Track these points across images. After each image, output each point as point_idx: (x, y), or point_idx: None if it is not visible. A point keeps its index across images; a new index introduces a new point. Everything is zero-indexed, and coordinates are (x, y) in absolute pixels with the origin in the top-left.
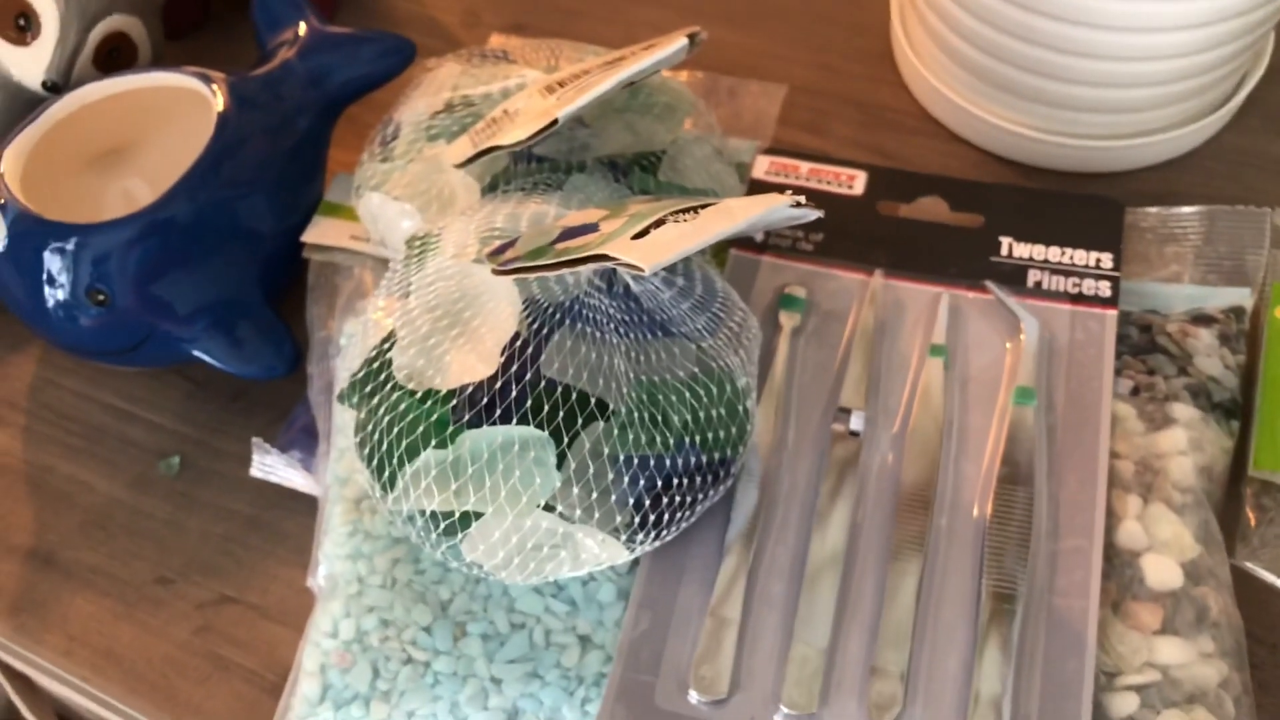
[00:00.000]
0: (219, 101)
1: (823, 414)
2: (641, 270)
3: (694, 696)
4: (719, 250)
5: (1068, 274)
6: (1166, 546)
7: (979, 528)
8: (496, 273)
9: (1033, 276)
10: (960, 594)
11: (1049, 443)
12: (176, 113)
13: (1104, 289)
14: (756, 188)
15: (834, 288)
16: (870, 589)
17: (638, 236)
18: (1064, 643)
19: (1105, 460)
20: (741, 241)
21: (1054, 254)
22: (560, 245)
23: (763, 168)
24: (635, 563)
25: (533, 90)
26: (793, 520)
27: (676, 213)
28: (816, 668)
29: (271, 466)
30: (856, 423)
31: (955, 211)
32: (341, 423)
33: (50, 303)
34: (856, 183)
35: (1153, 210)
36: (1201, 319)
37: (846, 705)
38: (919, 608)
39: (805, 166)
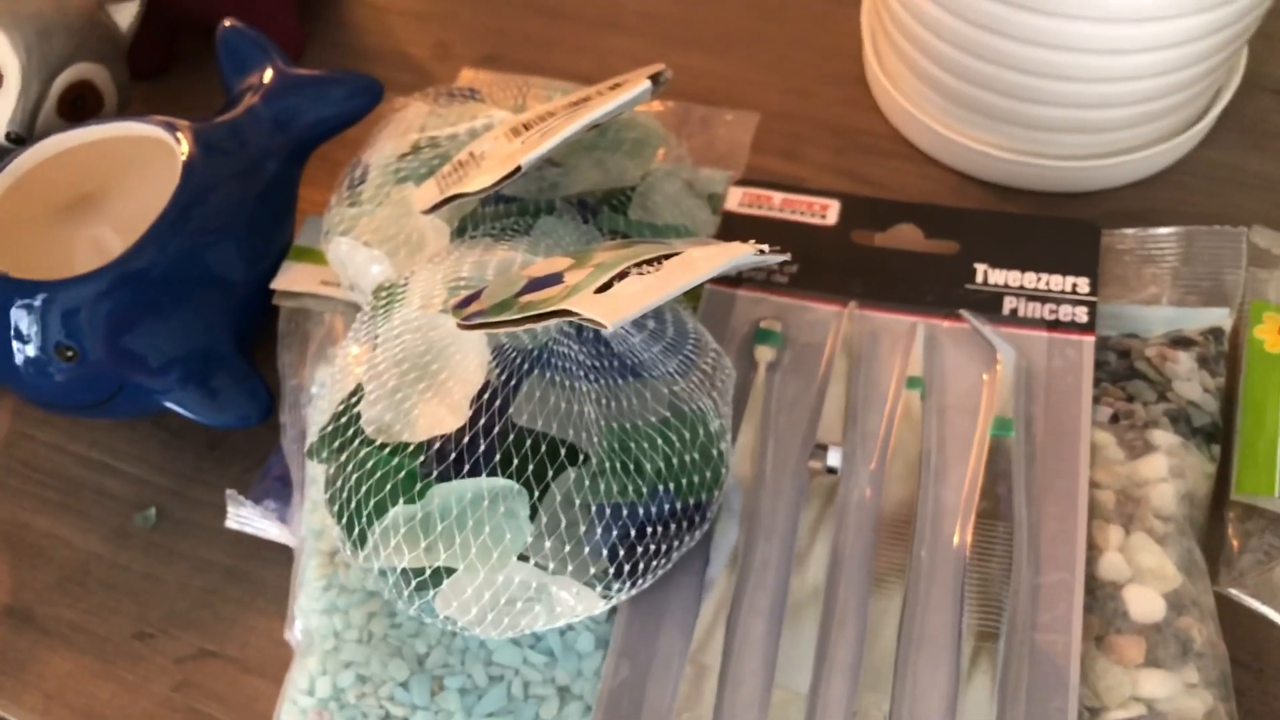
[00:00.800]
0: (184, 149)
1: (801, 448)
2: (604, 326)
3: None
4: (692, 293)
5: (1044, 300)
6: (1149, 577)
7: (959, 560)
8: (462, 327)
9: (1009, 304)
10: (941, 631)
11: (1028, 473)
12: (143, 160)
13: (1081, 315)
14: (730, 220)
15: (810, 320)
16: (851, 628)
17: (602, 289)
18: (1047, 680)
19: (1085, 491)
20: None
21: (1030, 280)
22: (524, 298)
23: (736, 199)
24: (614, 610)
25: (499, 132)
26: (773, 559)
27: (640, 264)
28: (798, 712)
29: (246, 518)
30: (834, 459)
31: (930, 239)
32: (314, 474)
33: (19, 359)
34: (830, 212)
35: (1130, 232)
36: (1180, 342)
37: None
38: (900, 646)
39: (778, 197)
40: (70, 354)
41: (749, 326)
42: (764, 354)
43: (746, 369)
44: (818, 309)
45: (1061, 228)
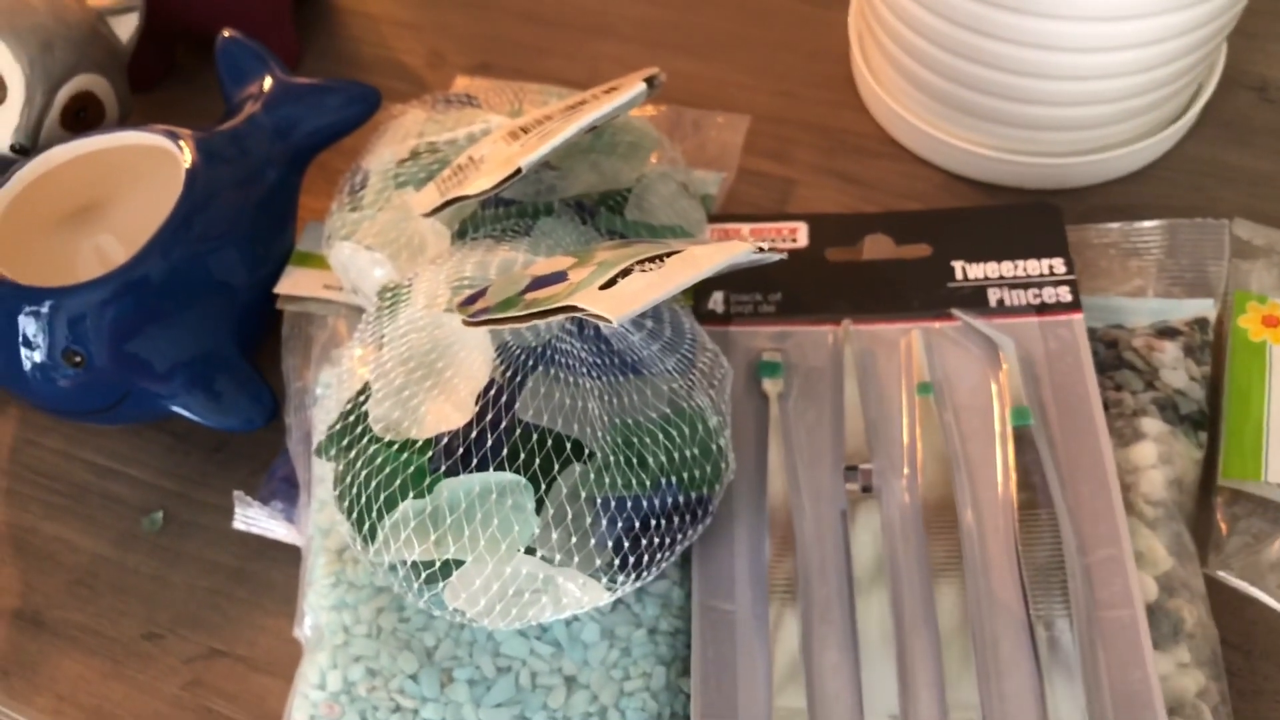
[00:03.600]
0: (187, 158)
1: (831, 473)
2: (610, 321)
3: None
4: (686, 291)
5: (1026, 286)
6: (1141, 560)
7: (1011, 555)
8: (467, 324)
9: (993, 295)
10: (1010, 628)
11: (1053, 457)
12: (146, 169)
13: (1064, 294)
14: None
15: (808, 343)
16: (924, 636)
17: (605, 286)
18: (1123, 655)
19: (1112, 464)
20: (704, 315)
21: (1007, 269)
22: (529, 295)
23: (705, 236)
24: (618, 602)
25: (497, 136)
26: (832, 589)
27: (643, 261)
28: None
29: (254, 519)
30: (868, 478)
31: (901, 245)
32: (321, 474)
33: (27, 365)
34: (799, 235)
35: (1114, 226)
36: (1166, 332)
37: None
38: (976, 652)
39: (746, 229)
40: (78, 360)
41: (750, 361)
42: (772, 386)
43: (758, 404)
44: (812, 331)
45: (1024, 214)
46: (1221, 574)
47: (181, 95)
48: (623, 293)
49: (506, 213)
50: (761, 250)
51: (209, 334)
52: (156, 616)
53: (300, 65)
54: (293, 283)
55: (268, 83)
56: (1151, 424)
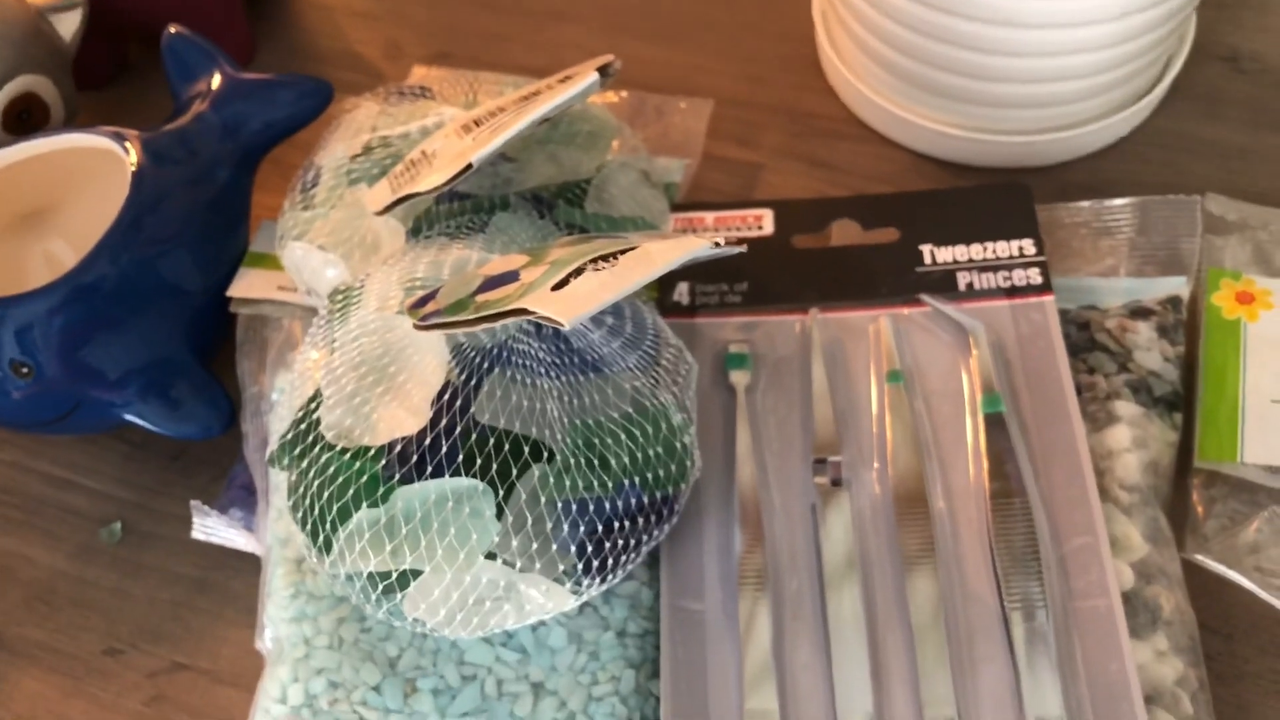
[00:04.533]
0: (133, 159)
1: (800, 465)
2: (561, 324)
3: None
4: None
5: (996, 269)
6: (1116, 547)
7: (984, 545)
8: (418, 328)
9: (963, 279)
10: (984, 617)
11: (1026, 444)
12: (93, 172)
13: (1035, 276)
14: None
15: (775, 334)
16: (898, 631)
17: (558, 286)
18: (1099, 645)
19: (1086, 450)
20: (670, 307)
21: (977, 251)
22: (481, 297)
23: (669, 227)
24: (584, 605)
25: (450, 129)
26: (804, 585)
27: (596, 259)
28: None
29: (212, 528)
30: (837, 471)
31: (869, 230)
32: (278, 482)
33: None
34: (765, 222)
35: (1085, 204)
36: (1139, 312)
37: None
38: (950, 646)
39: (710, 217)
40: (25, 371)
41: (716, 353)
42: (739, 378)
43: (725, 397)
44: (779, 321)
45: (993, 194)
46: (1199, 558)
47: (134, 94)
48: (575, 294)
49: (461, 208)
50: (718, 245)
51: (162, 340)
52: (117, 631)
53: (255, 59)
54: (246, 285)
55: (216, 80)
56: (1125, 407)
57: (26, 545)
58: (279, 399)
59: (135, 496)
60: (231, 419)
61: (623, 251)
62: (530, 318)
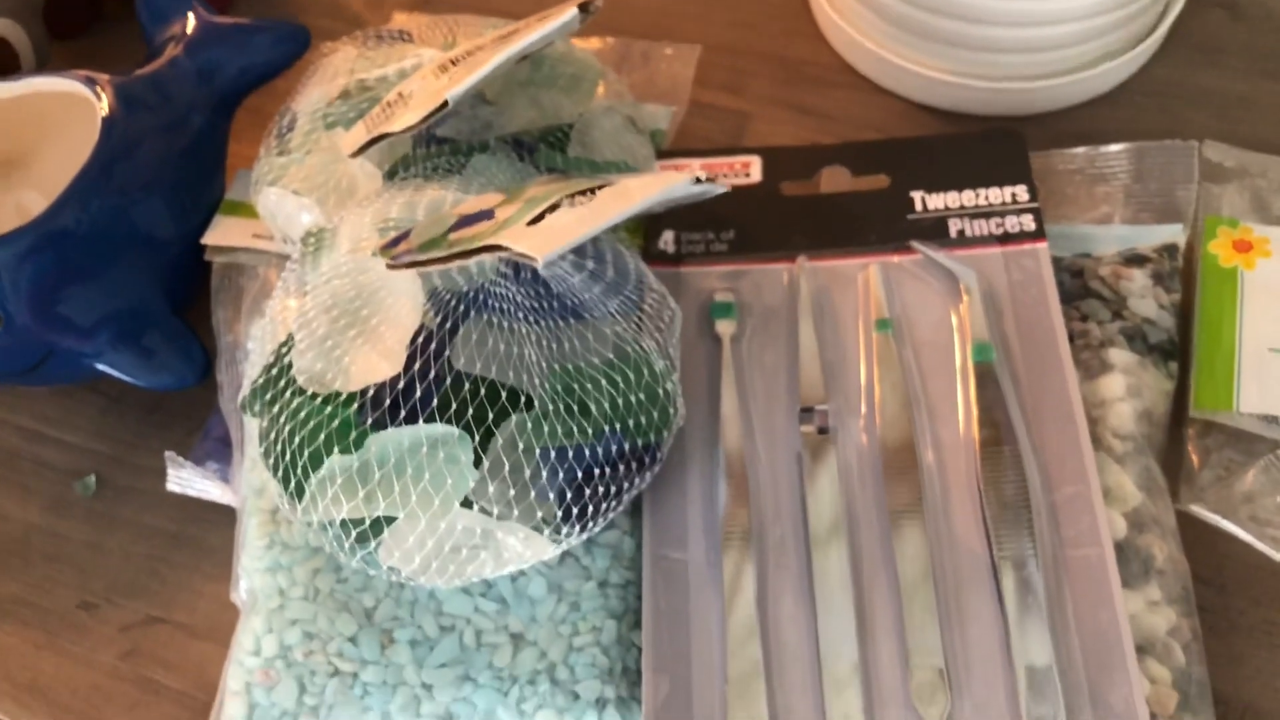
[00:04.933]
0: (104, 104)
1: (787, 415)
2: (535, 260)
3: None
4: (634, 229)
5: (988, 216)
6: (1109, 497)
7: (973, 496)
8: (390, 267)
9: (954, 226)
10: (974, 569)
11: (1017, 393)
12: (65, 120)
13: (1028, 223)
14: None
15: (762, 282)
16: (884, 583)
17: (533, 222)
18: (1090, 595)
19: (1078, 399)
20: (654, 255)
21: (969, 198)
22: (454, 235)
23: None
24: (565, 555)
25: (427, 70)
26: (788, 535)
27: (572, 195)
28: (854, 687)
29: (187, 480)
30: (824, 419)
31: (858, 176)
32: (252, 432)
33: None
34: (753, 169)
35: (1080, 151)
36: (1134, 259)
37: (894, 713)
38: (938, 593)
39: (697, 164)
40: None
41: (701, 303)
42: (725, 328)
43: (710, 347)
44: (766, 270)
45: (986, 141)
46: (1194, 508)
47: (109, 45)
48: (550, 229)
49: (439, 151)
50: (700, 182)
51: (135, 288)
52: (91, 585)
53: (234, 5)
54: (222, 233)
55: (190, 23)
56: (1119, 355)
57: (0, 498)
58: (254, 348)
59: (111, 450)
60: (207, 370)
61: (600, 187)
62: (504, 254)
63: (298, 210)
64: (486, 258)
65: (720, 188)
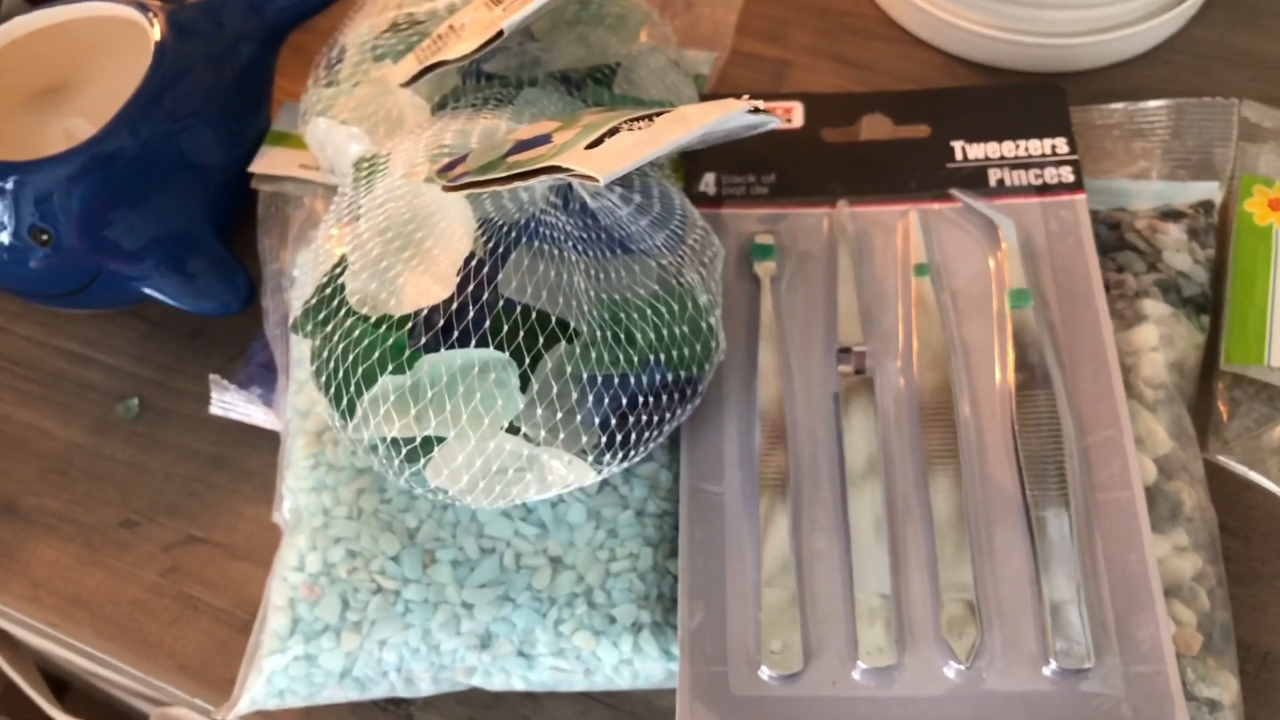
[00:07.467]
0: (156, 31)
1: (824, 357)
2: (596, 180)
3: (768, 675)
4: (677, 167)
5: (1027, 166)
6: (1139, 443)
7: (1007, 440)
8: (446, 189)
9: (994, 175)
10: (1007, 510)
11: (1052, 340)
12: (115, 46)
13: (1066, 174)
14: None
15: (801, 226)
16: (918, 520)
17: (591, 146)
18: (1120, 537)
19: (1113, 346)
20: (696, 197)
21: (1009, 149)
22: (512, 158)
23: None
24: (604, 484)
25: (478, 4)
26: (823, 475)
27: (631, 121)
28: (886, 617)
29: (230, 403)
30: (861, 360)
31: (900, 125)
32: (299, 355)
33: None
34: (794, 115)
35: (1119, 106)
36: (1170, 214)
37: (923, 646)
38: (970, 533)
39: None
40: (45, 238)
41: (741, 245)
42: (764, 269)
43: (750, 288)
44: (806, 214)
45: (1027, 94)
46: (1222, 458)
47: None
48: (610, 151)
49: (488, 85)
50: (757, 111)
51: (181, 214)
52: (133, 504)
53: None
54: (268, 162)
55: None
56: (1153, 306)
57: (43, 418)
58: (300, 275)
59: (153, 374)
60: (250, 298)
61: (658, 114)
62: (565, 175)
63: (346, 140)
64: (547, 179)
65: (775, 120)
